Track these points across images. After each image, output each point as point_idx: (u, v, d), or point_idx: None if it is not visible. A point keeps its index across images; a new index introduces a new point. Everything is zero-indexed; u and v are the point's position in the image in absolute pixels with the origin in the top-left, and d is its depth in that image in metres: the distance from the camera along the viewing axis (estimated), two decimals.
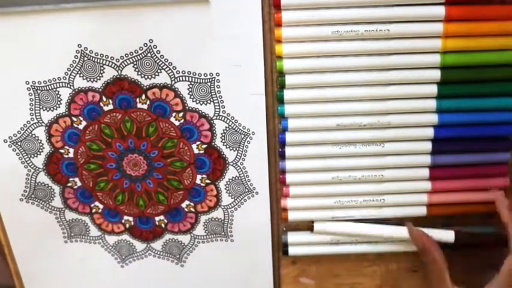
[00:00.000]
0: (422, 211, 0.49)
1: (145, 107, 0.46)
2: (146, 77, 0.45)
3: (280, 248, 0.51)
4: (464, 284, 0.44)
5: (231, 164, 0.48)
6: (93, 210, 0.50)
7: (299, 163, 0.48)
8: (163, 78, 0.45)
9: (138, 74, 0.45)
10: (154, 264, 0.53)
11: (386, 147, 0.47)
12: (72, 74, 0.45)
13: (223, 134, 0.47)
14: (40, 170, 0.49)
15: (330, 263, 0.52)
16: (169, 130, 0.47)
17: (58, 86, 0.46)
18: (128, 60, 0.45)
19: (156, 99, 0.46)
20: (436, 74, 0.44)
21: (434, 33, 0.43)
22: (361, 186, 0.48)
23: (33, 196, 0.50)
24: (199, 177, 0.49)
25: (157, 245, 0.52)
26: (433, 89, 0.44)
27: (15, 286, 0.55)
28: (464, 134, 0.46)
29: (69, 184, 0.50)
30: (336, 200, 0.48)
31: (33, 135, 0.47)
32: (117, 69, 0.45)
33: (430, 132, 0.46)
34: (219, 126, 0.47)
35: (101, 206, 0.51)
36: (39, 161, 0.48)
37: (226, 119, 0.46)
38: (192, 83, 0.45)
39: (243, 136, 0.47)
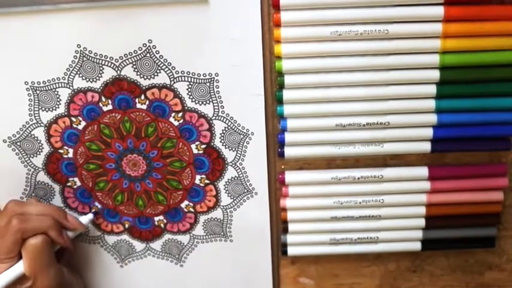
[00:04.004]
0: (421, 211, 0.49)
1: (144, 107, 0.46)
2: (145, 77, 0.45)
3: (279, 248, 0.51)
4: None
5: (230, 164, 0.48)
6: (93, 211, 0.50)
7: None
8: (162, 78, 0.45)
9: (137, 74, 0.45)
10: (154, 264, 0.53)
11: (385, 148, 0.47)
12: (72, 74, 0.45)
13: (223, 134, 0.47)
14: (40, 169, 0.49)
15: (329, 263, 0.52)
16: (168, 130, 0.47)
17: (57, 86, 0.46)
18: (127, 61, 0.45)
19: (155, 100, 0.46)
20: (435, 74, 0.44)
21: (433, 33, 0.43)
22: (360, 187, 0.48)
23: (33, 195, 0.50)
24: (198, 177, 0.49)
25: (157, 245, 0.52)
26: (432, 89, 0.44)
27: None
28: (464, 134, 0.46)
29: (69, 184, 0.50)
30: (335, 200, 0.48)
31: (33, 136, 0.47)
32: (116, 69, 0.45)
33: (429, 132, 0.46)
34: (218, 126, 0.47)
35: (100, 206, 0.51)
36: (38, 160, 0.48)
37: (225, 119, 0.46)
38: (191, 83, 0.45)
39: (242, 136, 0.47)
